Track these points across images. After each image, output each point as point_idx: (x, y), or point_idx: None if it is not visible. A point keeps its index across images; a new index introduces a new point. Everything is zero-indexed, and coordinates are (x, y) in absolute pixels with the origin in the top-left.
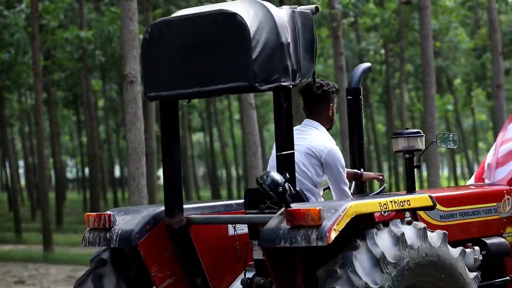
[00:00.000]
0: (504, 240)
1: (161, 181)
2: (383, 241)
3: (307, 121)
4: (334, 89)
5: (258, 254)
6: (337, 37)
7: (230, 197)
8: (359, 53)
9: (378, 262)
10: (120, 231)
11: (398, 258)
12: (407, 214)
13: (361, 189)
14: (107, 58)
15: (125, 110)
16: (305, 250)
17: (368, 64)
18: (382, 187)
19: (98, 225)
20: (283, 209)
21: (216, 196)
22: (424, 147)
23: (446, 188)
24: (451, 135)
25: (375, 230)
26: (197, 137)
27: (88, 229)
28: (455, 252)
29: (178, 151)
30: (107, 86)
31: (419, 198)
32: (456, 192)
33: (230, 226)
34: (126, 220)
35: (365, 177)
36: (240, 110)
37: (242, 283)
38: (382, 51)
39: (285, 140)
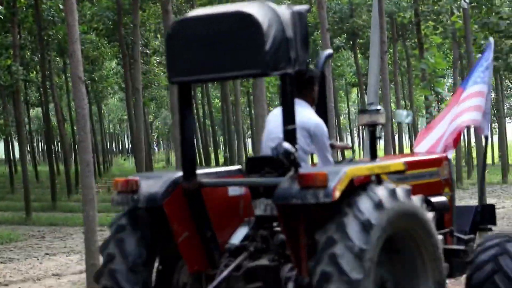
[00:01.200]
0: (444, 198)
1: None
2: (366, 205)
3: (297, 100)
4: (317, 74)
5: (258, 211)
6: (167, 12)
7: (58, 170)
8: None
9: (377, 205)
10: (147, 193)
11: (379, 218)
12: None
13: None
14: None
15: None
16: (309, 209)
17: (330, 51)
18: (351, 157)
19: (126, 188)
20: (291, 172)
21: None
22: (384, 121)
23: (399, 155)
24: (405, 111)
25: (359, 196)
26: (35, 112)
27: (116, 192)
28: (417, 201)
29: (192, 126)
30: None
31: (396, 164)
32: (408, 158)
33: (230, 188)
34: (150, 184)
35: (337, 147)
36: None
37: (247, 235)
38: None
39: (290, 117)
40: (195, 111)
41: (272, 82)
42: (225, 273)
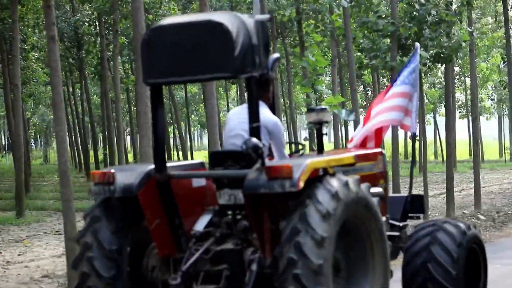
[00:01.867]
0: (380, 189)
1: None
2: (324, 197)
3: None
4: (272, 77)
5: (222, 200)
6: (48, 7)
7: None
8: (74, 24)
9: (334, 196)
10: (123, 184)
11: (336, 208)
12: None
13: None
14: None
15: None
16: (273, 198)
17: (277, 55)
18: (303, 151)
19: (102, 180)
20: (257, 165)
21: None
22: (331, 120)
23: (342, 150)
24: (346, 110)
25: (317, 188)
26: None
27: (94, 183)
28: (365, 190)
29: (163, 123)
30: None
31: (348, 157)
32: (350, 154)
33: (194, 180)
34: (125, 176)
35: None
36: None
37: (210, 222)
38: (97, 23)
39: (254, 115)
40: (74, 107)
41: None
42: (196, 255)
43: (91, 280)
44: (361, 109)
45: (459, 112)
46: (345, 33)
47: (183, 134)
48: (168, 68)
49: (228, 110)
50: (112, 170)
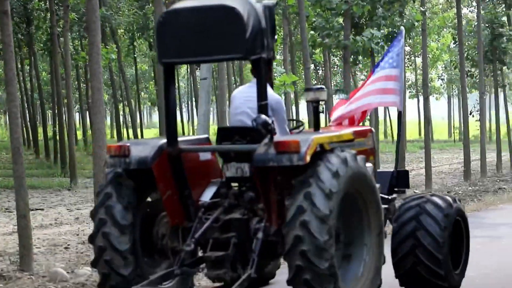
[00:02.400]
0: (371, 164)
1: None
2: (326, 176)
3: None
4: (272, 58)
5: (229, 173)
6: None
7: None
8: None
9: (335, 174)
10: (138, 157)
11: (338, 185)
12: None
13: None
14: None
15: None
16: (279, 171)
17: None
18: (302, 127)
19: (118, 152)
20: (266, 140)
21: None
22: (326, 98)
23: (336, 128)
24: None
25: (319, 167)
26: None
27: (109, 155)
28: (362, 163)
29: (175, 100)
30: None
31: (347, 133)
32: (348, 130)
33: (200, 154)
34: (140, 149)
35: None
36: None
37: (220, 193)
38: None
39: (263, 94)
40: (23, 84)
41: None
42: (207, 223)
43: (107, 253)
44: None
45: (409, 92)
46: (298, 11)
47: (133, 112)
48: (183, 49)
49: (179, 88)
50: (128, 144)
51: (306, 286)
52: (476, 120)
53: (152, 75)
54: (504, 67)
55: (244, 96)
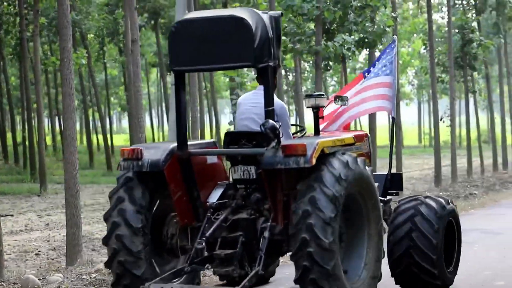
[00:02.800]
0: (370, 167)
1: None
2: (330, 180)
3: (261, 87)
4: (278, 66)
5: (236, 175)
6: None
7: None
8: None
9: (338, 179)
10: (150, 160)
11: (341, 190)
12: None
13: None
14: None
15: None
16: (287, 174)
17: None
18: (304, 132)
19: (132, 156)
20: (273, 143)
21: None
22: (325, 104)
23: (333, 133)
24: (344, 96)
25: (322, 172)
26: None
27: (123, 159)
28: (362, 165)
29: (185, 106)
30: None
31: (348, 138)
32: (342, 136)
33: (208, 157)
34: (152, 153)
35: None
36: None
37: (227, 194)
38: (16, 2)
39: (270, 100)
40: None
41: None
42: (217, 223)
43: (121, 254)
44: (284, 94)
45: None
46: None
47: (103, 117)
48: (193, 57)
49: (149, 94)
50: (140, 147)
51: (313, 285)
52: (447, 126)
53: (122, 80)
54: (475, 73)
55: (249, 102)
